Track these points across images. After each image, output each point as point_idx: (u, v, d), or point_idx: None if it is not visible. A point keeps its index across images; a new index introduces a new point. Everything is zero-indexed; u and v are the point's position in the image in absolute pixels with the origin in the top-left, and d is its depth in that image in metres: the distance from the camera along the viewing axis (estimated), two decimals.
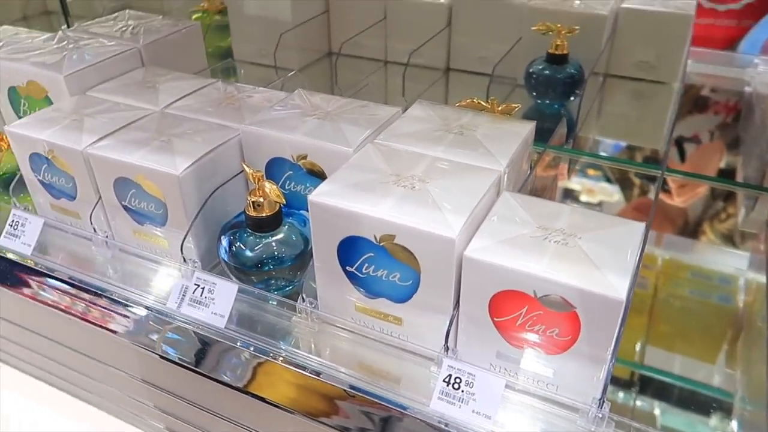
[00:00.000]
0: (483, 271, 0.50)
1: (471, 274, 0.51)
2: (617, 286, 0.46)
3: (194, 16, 1.30)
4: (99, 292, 0.71)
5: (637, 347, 0.70)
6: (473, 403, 0.52)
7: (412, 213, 0.53)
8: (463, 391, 0.53)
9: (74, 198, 0.74)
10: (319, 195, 0.56)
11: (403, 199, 0.54)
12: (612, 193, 0.96)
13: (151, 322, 0.68)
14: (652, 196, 0.92)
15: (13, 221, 0.77)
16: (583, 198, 0.93)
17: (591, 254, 0.49)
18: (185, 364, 0.65)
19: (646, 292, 0.77)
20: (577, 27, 0.97)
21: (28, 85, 0.83)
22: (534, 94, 1.04)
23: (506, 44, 1.06)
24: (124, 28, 0.95)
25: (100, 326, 0.70)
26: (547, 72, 1.01)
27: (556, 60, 1.00)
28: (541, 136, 0.80)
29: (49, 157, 0.72)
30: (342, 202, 0.55)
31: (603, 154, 0.99)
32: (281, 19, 1.19)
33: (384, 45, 1.24)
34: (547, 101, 1.03)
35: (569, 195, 0.94)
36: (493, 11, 1.12)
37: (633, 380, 0.66)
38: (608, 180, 0.97)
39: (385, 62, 1.25)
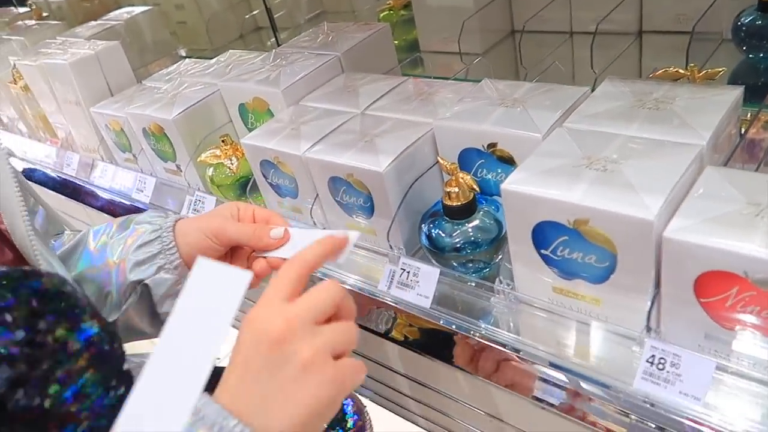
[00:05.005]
0: (685, 252, 0.49)
1: (672, 256, 0.50)
2: None
3: (382, 15, 1.39)
4: (320, 278, 0.82)
5: None
6: (680, 384, 0.52)
7: (605, 196, 0.53)
8: (668, 372, 0.52)
9: (296, 196, 0.86)
10: (512, 183, 0.58)
11: (595, 183, 0.55)
12: None
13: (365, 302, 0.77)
14: None
15: None
16: None
17: None
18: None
19: None
20: None
21: (254, 101, 0.97)
22: (744, 48, 0.94)
23: None
24: (324, 40, 1.06)
25: None
26: (760, 22, 0.90)
27: None
28: (755, 94, 0.72)
29: (275, 163, 0.85)
30: (534, 189, 0.57)
31: None
32: (463, 6, 1.21)
33: (569, 16, 1.20)
34: (761, 55, 0.93)
35: None
36: None
37: None
38: None
39: (571, 33, 1.22)
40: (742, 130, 0.68)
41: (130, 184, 1.17)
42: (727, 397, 0.52)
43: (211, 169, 1.00)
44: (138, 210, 1.13)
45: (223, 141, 0.97)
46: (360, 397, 0.97)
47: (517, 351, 0.64)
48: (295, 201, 0.87)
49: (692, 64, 0.70)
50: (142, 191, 1.14)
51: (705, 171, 0.55)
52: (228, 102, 1.03)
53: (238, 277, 0.45)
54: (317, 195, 0.83)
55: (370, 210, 0.77)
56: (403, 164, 0.73)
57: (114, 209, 1.19)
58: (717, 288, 0.49)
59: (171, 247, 0.62)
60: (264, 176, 0.89)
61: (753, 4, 0.91)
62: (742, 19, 0.93)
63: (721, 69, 0.68)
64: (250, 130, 0.96)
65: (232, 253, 0.64)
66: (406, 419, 0.90)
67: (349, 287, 0.79)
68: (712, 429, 0.51)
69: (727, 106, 0.61)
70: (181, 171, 1.07)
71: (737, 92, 0.63)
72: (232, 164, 0.97)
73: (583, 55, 1.10)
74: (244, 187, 0.96)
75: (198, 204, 1.01)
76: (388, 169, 0.71)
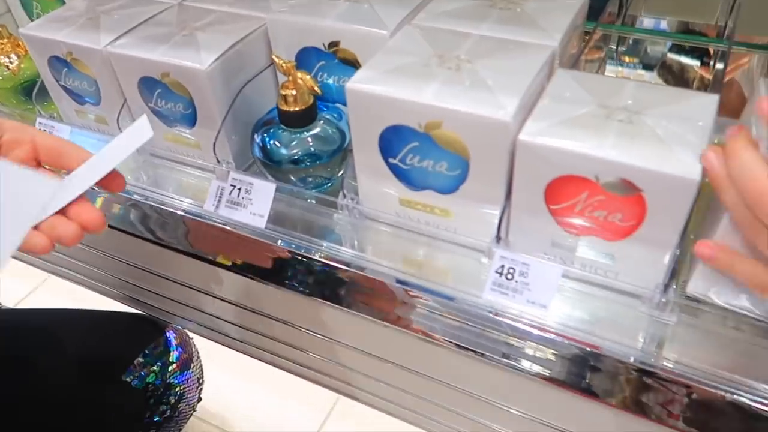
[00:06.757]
0: (540, 155, 0.46)
1: (526, 160, 0.47)
2: (690, 166, 0.43)
3: None
4: (135, 200, 0.69)
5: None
6: (528, 293, 0.50)
7: (460, 96, 0.48)
8: (517, 282, 0.51)
9: (99, 103, 0.71)
10: (357, 82, 0.51)
11: (449, 82, 0.50)
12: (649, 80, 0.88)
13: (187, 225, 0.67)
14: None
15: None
16: None
17: (660, 132, 0.45)
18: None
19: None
20: None
21: None
22: None
23: None
24: None
25: (133, 234, 0.69)
26: None
27: None
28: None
29: (69, 60, 0.69)
30: (382, 88, 0.51)
31: (662, 29, 0.91)
32: None
33: None
34: None
35: None
36: None
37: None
38: (650, 67, 0.89)
39: None
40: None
41: None
42: (572, 302, 0.52)
43: None
44: None
45: None
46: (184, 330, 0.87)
47: (361, 269, 0.59)
48: (98, 109, 0.72)
49: None
50: None
51: (556, 73, 0.53)
52: None
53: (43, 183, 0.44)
54: (125, 101, 0.69)
55: (191, 118, 0.65)
56: (231, 63, 0.63)
57: None
58: (567, 194, 0.47)
59: None
60: (55, 78, 0.72)
61: None
62: None
63: None
64: None
65: None
66: (238, 351, 0.83)
67: (170, 208, 0.67)
68: (553, 333, 0.51)
69: (575, 9, 0.59)
70: None
71: None
72: (11, 63, 0.78)
73: None
74: (29, 91, 0.78)
75: None
76: (212, 67, 0.60)
